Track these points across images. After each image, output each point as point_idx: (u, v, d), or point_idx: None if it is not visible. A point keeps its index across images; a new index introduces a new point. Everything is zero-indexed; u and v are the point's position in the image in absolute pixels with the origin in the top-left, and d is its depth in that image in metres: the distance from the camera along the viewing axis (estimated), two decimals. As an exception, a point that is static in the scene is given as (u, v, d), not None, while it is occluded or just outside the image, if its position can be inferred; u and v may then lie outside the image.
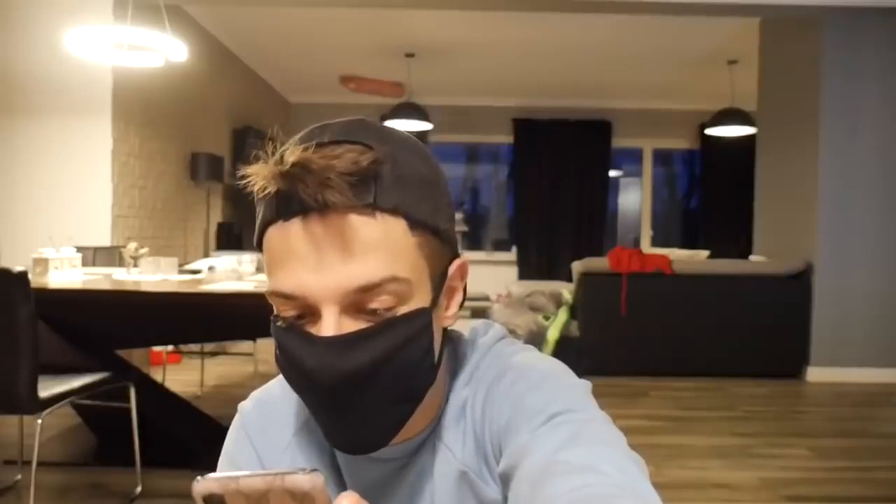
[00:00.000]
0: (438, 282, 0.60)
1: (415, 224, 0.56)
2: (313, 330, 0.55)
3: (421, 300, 0.57)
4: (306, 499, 0.37)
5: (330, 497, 0.38)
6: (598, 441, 0.52)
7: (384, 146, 0.55)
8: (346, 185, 0.52)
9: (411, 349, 0.57)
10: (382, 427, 0.58)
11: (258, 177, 0.53)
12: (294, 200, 0.52)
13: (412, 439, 0.65)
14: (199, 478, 0.38)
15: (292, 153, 0.52)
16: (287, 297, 0.55)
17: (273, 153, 0.54)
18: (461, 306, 0.65)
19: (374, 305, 0.55)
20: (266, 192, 0.53)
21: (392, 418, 0.58)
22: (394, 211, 0.54)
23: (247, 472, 0.38)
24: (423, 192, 0.57)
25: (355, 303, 0.54)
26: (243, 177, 0.54)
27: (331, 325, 0.54)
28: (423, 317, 0.57)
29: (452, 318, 0.64)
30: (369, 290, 0.54)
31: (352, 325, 0.55)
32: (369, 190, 0.53)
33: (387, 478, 0.66)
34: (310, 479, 0.37)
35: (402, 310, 0.56)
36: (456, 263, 0.63)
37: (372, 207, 0.53)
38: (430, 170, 0.59)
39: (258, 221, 0.57)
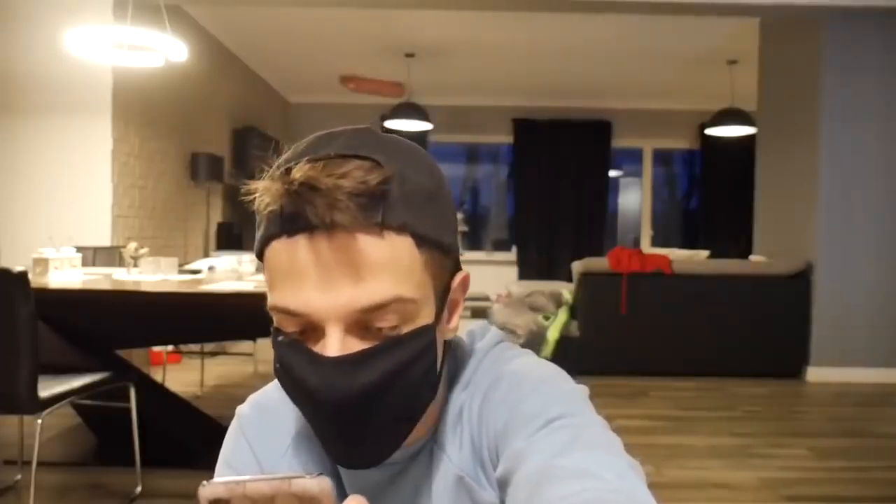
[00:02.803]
0: (442, 296, 0.60)
1: (421, 241, 0.55)
2: (316, 347, 0.55)
3: (425, 317, 0.57)
4: (313, 502, 0.37)
5: (336, 501, 0.38)
6: (595, 446, 0.52)
7: (391, 161, 0.54)
8: (355, 205, 0.51)
9: (416, 367, 0.56)
10: (382, 444, 0.58)
11: (264, 194, 0.52)
12: (300, 218, 0.52)
13: (411, 446, 0.65)
14: (205, 482, 0.38)
15: (299, 170, 0.51)
16: (290, 314, 0.54)
17: (277, 165, 0.54)
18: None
19: (379, 325, 0.54)
20: (271, 208, 0.52)
21: (393, 436, 0.59)
22: (401, 229, 0.54)
23: (253, 476, 0.38)
24: (428, 207, 0.57)
25: (360, 322, 0.54)
26: (248, 192, 0.54)
27: (336, 344, 0.53)
28: (427, 334, 0.57)
29: (454, 330, 0.64)
30: (375, 310, 0.53)
31: (356, 345, 0.54)
32: (377, 209, 0.52)
33: (385, 483, 0.67)
34: (317, 483, 0.37)
35: (407, 328, 0.55)
36: (458, 277, 0.63)
37: (380, 227, 0.53)
38: (435, 182, 0.59)
39: (259, 233, 0.57)
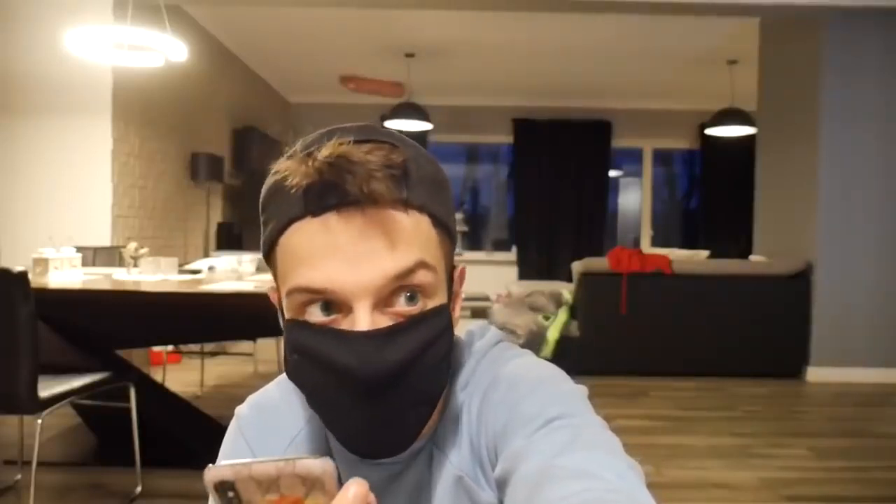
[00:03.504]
0: (450, 281, 0.62)
1: (437, 222, 0.58)
2: (343, 328, 0.55)
3: (442, 297, 0.59)
4: (317, 483, 0.38)
5: (338, 483, 0.38)
6: (594, 446, 0.52)
7: (404, 147, 0.57)
8: (389, 180, 0.53)
9: (436, 347, 0.58)
10: (404, 429, 0.58)
11: (293, 172, 0.53)
12: (331, 194, 0.53)
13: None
14: (210, 466, 0.38)
15: (329, 148, 0.52)
16: (316, 293, 0.54)
17: (293, 152, 0.56)
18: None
19: (401, 301, 0.55)
20: (296, 188, 0.53)
21: (413, 421, 0.59)
22: (421, 208, 0.56)
23: (259, 459, 0.38)
24: (439, 193, 0.60)
25: (386, 298, 0.55)
26: (276, 172, 0.55)
27: (366, 318, 0.54)
28: (445, 314, 0.59)
29: (456, 321, 0.65)
30: (403, 277, 0.55)
31: (383, 321, 0.55)
32: (402, 186, 0.55)
33: (384, 483, 0.66)
34: (321, 464, 0.38)
35: (430, 304, 0.57)
36: (458, 268, 0.65)
37: (405, 203, 0.55)
38: (441, 174, 0.61)
39: (271, 225, 0.57)
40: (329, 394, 0.57)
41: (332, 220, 0.53)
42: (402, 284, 0.55)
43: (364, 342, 0.53)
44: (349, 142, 0.53)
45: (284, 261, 0.56)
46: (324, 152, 0.52)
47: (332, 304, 0.55)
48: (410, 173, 0.56)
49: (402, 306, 0.55)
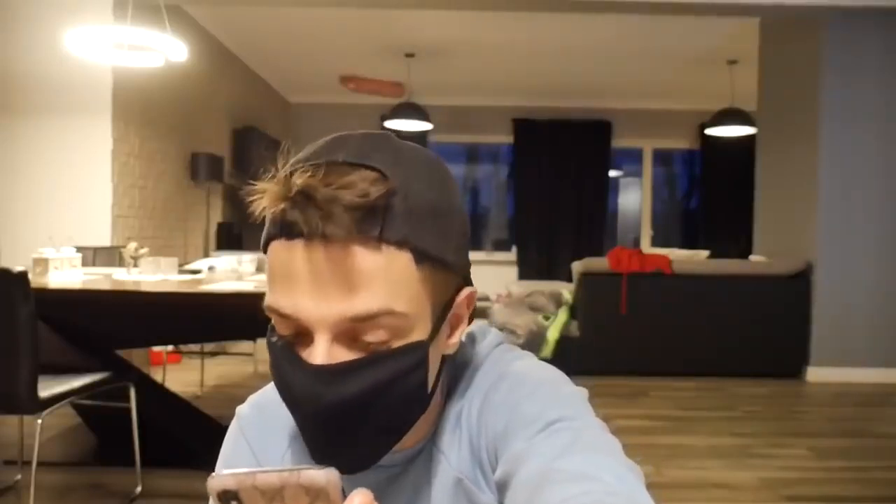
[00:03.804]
0: (441, 312, 0.59)
1: (421, 257, 0.54)
2: (304, 353, 0.54)
3: (419, 333, 0.56)
4: (321, 494, 0.37)
5: (342, 494, 0.38)
6: (595, 449, 0.52)
7: (399, 172, 0.54)
8: (350, 219, 0.50)
9: (403, 383, 0.55)
10: (365, 454, 0.58)
11: (265, 197, 0.52)
12: (297, 226, 0.51)
13: (409, 448, 0.65)
14: (213, 474, 0.38)
15: (300, 176, 0.51)
16: (282, 316, 0.54)
17: (287, 164, 0.54)
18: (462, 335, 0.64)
19: (368, 338, 0.54)
20: (273, 209, 0.52)
21: (375, 447, 0.58)
22: (400, 244, 0.53)
23: (263, 468, 0.38)
24: (433, 223, 0.55)
25: (349, 332, 0.53)
26: (251, 193, 0.53)
27: (321, 352, 0.53)
28: (417, 352, 0.56)
29: (454, 346, 0.63)
30: (364, 320, 0.53)
31: (343, 355, 0.54)
32: (376, 223, 0.52)
33: (384, 485, 0.66)
34: (325, 475, 0.37)
35: (397, 343, 0.55)
36: (465, 293, 0.62)
37: (377, 240, 0.52)
38: (445, 197, 0.58)
39: (264, 230, 0.57)
40: (290, 407, 0.57)
41: (299, 249, 0.52)
42: (363, 325, 0.53)
43: (314, 375, 0.53)
44: (322, 171, 0.51)
45: (267, 271, 0.56)
46: (295, 180, 0.50)
47: (300, 328, 0.55)
48: (392, 207, 0.52)
49: (363, 342, 0.54)
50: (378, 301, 0.52)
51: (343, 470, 0.58)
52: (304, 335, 0.55)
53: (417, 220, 0.54)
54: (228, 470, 0.38)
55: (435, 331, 0.58)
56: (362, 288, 0.52)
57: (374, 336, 0.54)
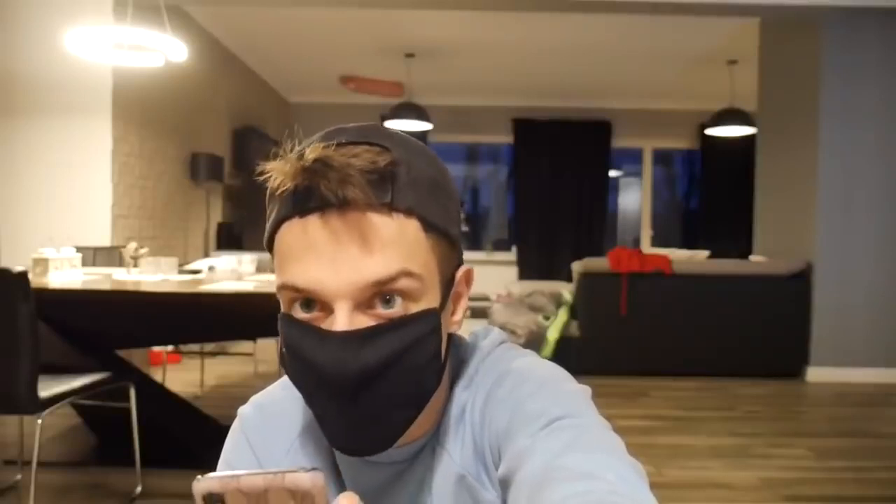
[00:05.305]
0: (447, 285, 0.61)
1: (428, 226, 0.57)
2: (324, 326, 0.56)
3: (431, 301, 0.58)
4: (306, 497, 0.37)
5: (329, 497, 0.38)
6: (597, 447, 0.52)
7: (399, 149, 0.57)
8: (366, 182, 0.53)
9: (421, 350, 0.57)
10: (387, 430, 0.58)
11: (278, 173, 0.54)
12: (313, 196, 0.54)
13: (413, 444, 0.65)
14: (199, 477, 0.38)
15: (312, 150, 0.53)
16: (299, 291, 0.55)
17: (290, 151, 0.56)
18: (465, 314, 0.66)
19: (383, 308, 0.55)
20: (284, 188, 0.54)
21: (397, 422, 0.59)
22: (409, 212, 0.56)
23: (247, 471, 0.38)
24: (435, 196, 0.58)
25: (368, 300, 0.55)
26: (262, 173, 0.55)
27: (343, 320, 0.54)
28: (432, 317, 0.58)
29: (458, 324, 0.65)
30: (383, 284, 0.55)
31: (364, 322, 0.55)
32: (387, 189, 0.55)
33: (387, 482, 0.67)
34: (310, 478, 0.37)
35: (413, 308, 0.57)
36: (462, 270, 0.64)
37: (389, 206, 0.55)
38: (442, 176, 0.61)
39: (271, 219, 0.58)
40: (311, 389, 0.58)
41: (315, 222, 0.54)
42: (382, 290, 0.55)
43: (339, 342, 0.54)
44: (334, 145, 0.54)
45: (277, 257, 0.58)
46: (307, 155, 0.53)
47: (316, 302, 0.56)
48: (398, 176, 0.55)
49: (381, 309, 0.56)
50: (396, 263, 0.55)
51: (365, 451, 0.59)
52: (320, 310, 0.56)
53: (421, 190, 0.57)
54: (214, 473, 0.38)
55: (443, 302, 0.60)
56: (378, 251, 0.54)
57: (389, 305, 0.56)
